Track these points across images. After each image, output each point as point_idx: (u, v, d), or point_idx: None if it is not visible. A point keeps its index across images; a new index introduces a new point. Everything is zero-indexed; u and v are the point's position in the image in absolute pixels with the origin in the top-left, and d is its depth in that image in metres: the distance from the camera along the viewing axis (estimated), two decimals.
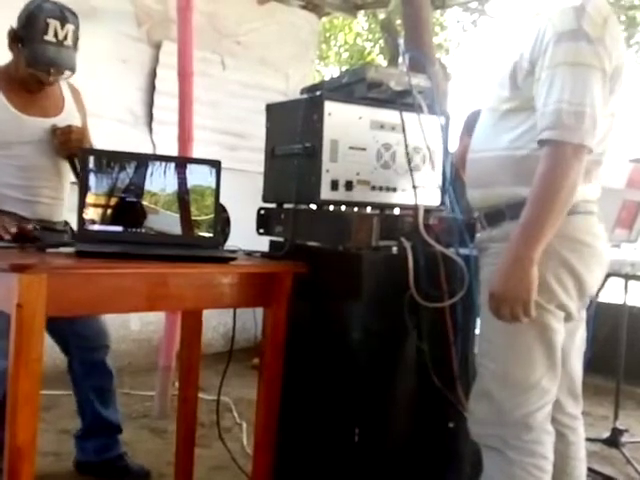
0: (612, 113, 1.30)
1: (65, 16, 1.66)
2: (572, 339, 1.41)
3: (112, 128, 3.05)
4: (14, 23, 1.69)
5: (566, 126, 1.18)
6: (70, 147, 1.73)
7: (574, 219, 1.27)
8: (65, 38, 1.65)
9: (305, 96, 1.58)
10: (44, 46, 1.63)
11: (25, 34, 1.65)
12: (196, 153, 2.48)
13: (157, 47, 3.35)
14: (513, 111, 1.32)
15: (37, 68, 1.67)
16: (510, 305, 1.21)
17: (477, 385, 1.37)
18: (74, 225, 1.70)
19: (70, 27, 1.66)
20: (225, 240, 1.66)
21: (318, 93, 1.53)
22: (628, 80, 1.31)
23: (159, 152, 3.15)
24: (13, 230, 1.48)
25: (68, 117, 1.80)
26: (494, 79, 1.39)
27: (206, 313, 1.78)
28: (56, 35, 1.63)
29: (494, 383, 1.32)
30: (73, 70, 1.71)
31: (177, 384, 1.90)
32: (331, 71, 8.41)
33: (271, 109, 1.68)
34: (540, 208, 1.20)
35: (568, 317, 1.32)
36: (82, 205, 1.45)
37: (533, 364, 1.29)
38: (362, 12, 5.61)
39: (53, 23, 1.63)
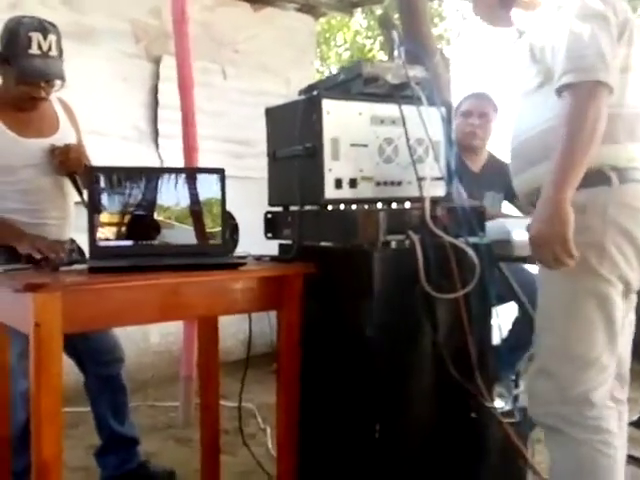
0: (626, 67, 1.31)
1: (45, 27, 1.66)
2: (623, 320, 1.39)
3: (118, 146, 3.09)
4: None
5: (576, 68, 1.21)
6: (70, 166, 1.75)
7: (630, 187, 1.28)
8: (49, 49, 1.65)
9: (303, 97, 1.58)
10: (31, 60, 1.63)
11: (10, 52, 1.65)
12: (202, 163, 2.50)
13: (157, 62, 3.38)
14: (541, 86, 1.35)
15: (28, 83, 1.67)
16: (549, 246, 1.22)
17: (535, 363, 1.36)
18: (81, 243, 1.73)
19: (52, 37, 1.66)
20: (235, 247, 1.67)
21: (315, 93, 1.53)
22: None
23: (166, 165, 3.19)
24: (52, 255, 1.48)
25: (64, 135, 1.81)
26: (519, 67, 1.43)
27: (224, 321, 1.79)
28: (40, 47, 1.63)
29: (553, 359, 1.32)
30: (63, 79, 1.71)
31: None
32: (333, 72, 8.41)
33: (270, 113, 1.69)
34: (564, 150, 1.22)
35: (627, 290, 1.32)
36: (92, 221, 1.47)
37: (593, 338, 1.29)
38: (359, 10, 5.60)
39: (35, 36, 1.62)
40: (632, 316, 1.44)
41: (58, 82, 1.72)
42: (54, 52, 1.67)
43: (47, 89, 1.72)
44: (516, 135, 1.47)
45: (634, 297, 1.41)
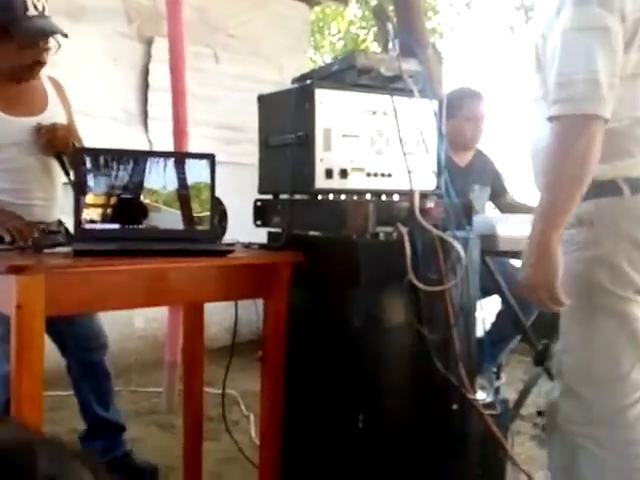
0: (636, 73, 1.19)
1: None
2: None
3: (107, 127, 3.05)
4: None
5: (564, 98, 1.11)
6: (56, 145, 1.71)
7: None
8: (44, 8, 1.65)
9: (296, 85, 1.57)
10: (32, 21, 1.61)
11: (8, 18, 1.61)
12: (192, 148, 2.47)
13: (148, 43, 3.33)
14: (544, 98, 1.24)
15: (33, 45, 1.64)
16: (536, 292, 1.15)
17: (561, 382, 1.30)
18: (68, 225, 1.71)
19: None
20: (223, 233, 1.66)
21: (309, 82, 1.52)
22: None
23: (155, 149, 3.15)
24: (34, 235, 1.45)
25: (52, 114, 1.77)
26: (529, 68, 1.33)
27: (210, 308, 1.79)
28: (36, 8, 1.63)
29: (576, 379, 1.25)
30: (65, 34, 1.69)
31: None
32: (326, 61, 8.36)
33: (263, 100, 1.67)
34: (549, 188, 1.14)
35: None
36: (78, 204, 1.45)
37: (617, 356, 1.21)
38: (353, 0, 5.56)
39: None
40: None
41: (54, 45, 1.69)
42: (47, 12, 1.66)
43: (48, 50, 1.69)
44: (531, 143, 1.38)
45: None
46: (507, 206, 2.62)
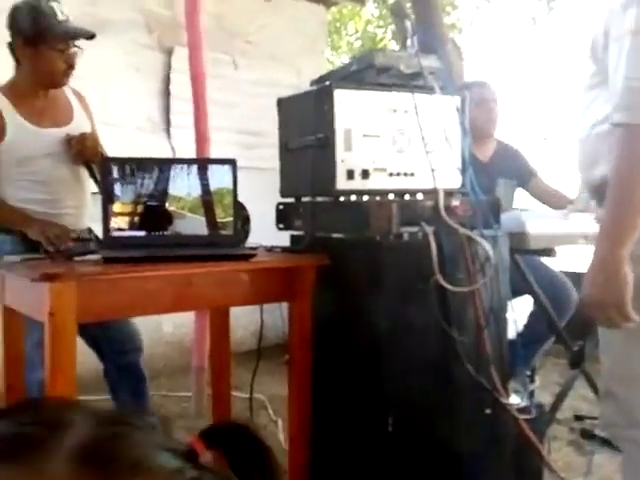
0: None
1: None
2: None
3: (131, 136, 3.09)
4: (7, 38, 1.72)
5: (631, 106, 1.06)
6: (86, 155, 1.76)
7: None
8: (66, 15, 1.72)
9: (315, 87, 1.57)
10: (64, 25, 1.69)
11: (40, 28, 1.67)
12: (214, 154, 2.49)
13: (169, 53, 3.37)
14: (598, 86, 1.21)
15: (69, 45, 1.70)
16: (603, 311, 1.10)
17: (601, 384, 1.29)
18: (97, 232, 1.74)
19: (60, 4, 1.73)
20: (246, 237, 1.66)
21: (327, 83, 1.52)
22: None
23: (178, 156, 3.19)
24: (68, 243, 1.50)
25: (79, 125, 1.82)
26: (586, 57, 1.28)
27: (236, 312, 1.79)
28: (63, 13, 1.70)
29: (614, 381, 1.23)
30: (94, 34, 1.75)
31: None
32: (344, 61, 8.35)
33: (282, 103, 1.67)
34: (617, 201, 1.09)
35: None
36: (106, 212, 1.48)
37: None
38: None
39: (55, 5, 1.69)
40: None
41: (79, 50, 1.75)
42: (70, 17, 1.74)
43: (76, 56, 1.75)
44: (579, 130, 1.33)
45: None
46: (538, 190, 2.54)
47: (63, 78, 1.76)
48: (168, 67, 3.37)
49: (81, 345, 1.37)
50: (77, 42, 1.74)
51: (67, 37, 1.69)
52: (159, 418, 0.40)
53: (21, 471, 0.30)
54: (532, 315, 2.28)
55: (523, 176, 2.54)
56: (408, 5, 4.42)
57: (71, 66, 1.74)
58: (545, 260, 2.27)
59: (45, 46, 1.69)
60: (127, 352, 1.94)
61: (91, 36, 1.74)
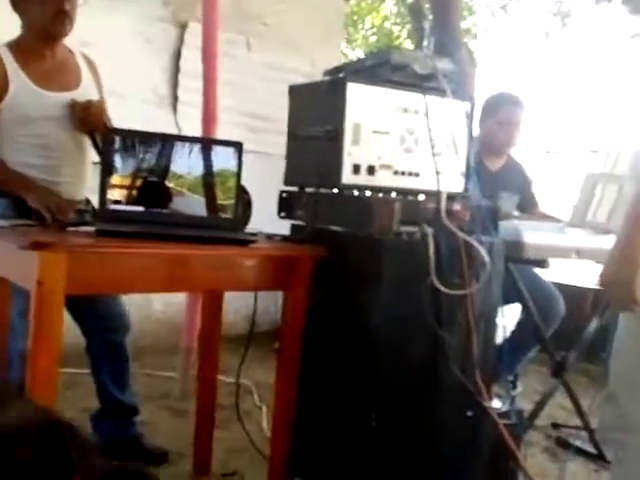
0: None
1: None
2: None
3: (136, 108, 3.06)
4: None
5: None
6: (90, 123, 1.71)
7: None
8: None
9: (328, 78, 1.55)
10: None
11: None
12: (220, 135, 2.47)
13: (182, 28, 3.33)
14: None
15: None
16: (614, 288, 1.18)
17: (606, 388, 1.32)
18: (96, 204, 1.71)
19: None
20: (246, 222, 1.65)
21: (341, 75, 1.51)
22: None
23: (183, 133, 3.16)
24: (69, 215, 1.47)
25: (86, 90, 1.78)
26: None
27: (229, 296, 1.78)
28: None
29: (619, 385, 1.28)
30: None
31: None
32: (358, 54, 8.30)
33: (294, 91, 1.66)
34: None
35: None
36: (104, 184, 1.46)
37: None
38: None
39: None
40: None
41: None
42: None
43: (70, 3, 1.68)
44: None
45: None
46: (535, 217, 2.57)
47: (55, 25, 1.68)
48: (180, 42, 3.33)
49: (65, 317, 1.35)
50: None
51: None
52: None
53: None
54: (520, 323, 2.31)
55: (524, 202, 2.56)
56: (427, 6, 4.39)
57: (61, 11, 1.66)
58: (538, 270, 2.29)
59: (31, 2, 1.63)
60: (113, 330, 1.92)
61: None
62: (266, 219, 1.63)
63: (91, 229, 1.37)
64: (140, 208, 1.49)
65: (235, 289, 1.66)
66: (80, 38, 1.84)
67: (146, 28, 3.19)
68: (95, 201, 1.66)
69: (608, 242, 1.26)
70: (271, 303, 1.93)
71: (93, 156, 1.83)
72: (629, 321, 1.26)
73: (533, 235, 1.85)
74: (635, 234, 1.17)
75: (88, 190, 1.86)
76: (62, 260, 1.18)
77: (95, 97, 1.80)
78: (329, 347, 1.52)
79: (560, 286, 2.46)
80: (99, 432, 1.99)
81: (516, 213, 2.52)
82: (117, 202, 1.47)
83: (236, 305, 3.21)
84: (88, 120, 1.71)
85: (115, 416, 1.96)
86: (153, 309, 3.31)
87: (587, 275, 3.09)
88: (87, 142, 1.80)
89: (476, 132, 2.46)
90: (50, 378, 1.22)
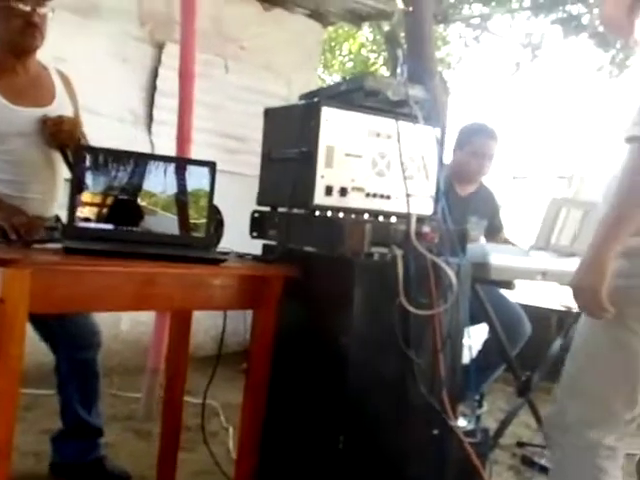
0: None
1: None
2: None
3: (111, 126, 3.05)
4: None
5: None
6: (62, 138, 1.69)
7: None
8: None
9: (303, 102, 1.58)
10: None
11: None
12: (195, 155, 2.47)
13: (160, 48, 3.35)
14: None
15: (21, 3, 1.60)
16: (582, 295, 1.22)
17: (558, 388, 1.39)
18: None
19: None
20: (218, 242, 1.65)
21: (316, 99, 1.54)
22: None
23: (158, 153, 3.15)
24: (36, 233, 1.44)
25: (60, 106, 1.76)
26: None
27: (198, 316, 1.77)
28: None
29: (564, 384, 1.34)
30: None
31: None
32: (335, 79, 8.46)
33: (269, 113, 1.68)
34: (617, 204, 1.21)
35: None
36: (73, 201, 1.44)
37: (605, 379, 1.27)
38: (367, 23, 5.64)
39: None
40: None
41: (49, 12, 1.67)
42: None
43: (40, 16, 1.66)
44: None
45: None
46: (499, 242, 2.63)
47: (25, 38, 1.66)
48: (157, 61, 3.35)
49: (29, 336, 1.31)
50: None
51: None
52: None
53: None
54: (486, 343, 2.36)
55: (491, 227, 2.62)
56: (402, 34, 4.52)
57: (30, 24, 1.64)
58: (504, 292, 2.35)
59: (1, 2, 1.61)
60: (84, 347, 1.87)
61: None
62: (239, 239, 1.64)
63: (58, 246, 1.35)
64: (110, 226, 1.47)
65: (205, 308, 1.65)
66: (57, 56, 1.84)
67: (123, 47, 3.20)
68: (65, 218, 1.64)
69: (572, 265, 1.30)
70: (240, 324, 1.92)
71: (65, 172, 1.81)
72: (583, 330, 1.32)
73: (499, 257, 1.90)
74: (603, 244, 1.22)
75: (59, 207, 1.84)
76: (25, 277, 1.16)
77: (69, 113, 1.79)
78: (298, 368, 1.51)
79: (525, 307, 2.52)
80: (61, 454, 1.93)
81: (482, 239, 2.59)
82: (87, 220, 1.45)
83: (206, 326, 3.19)
84: (59, 136, 1.69)
85: (79, 437, 1.90)
86: (120, 329, 3.25)
87: (552, 297, 3.18)
88: (59, 158, 1.77)
89: (449, 159, 2.54)
90: (10, 400, 1.18)
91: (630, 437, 1.32)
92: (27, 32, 1.66)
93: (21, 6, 1.63)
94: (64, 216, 1.77)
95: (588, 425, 1.28)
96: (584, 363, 1.31)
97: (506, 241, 2.62)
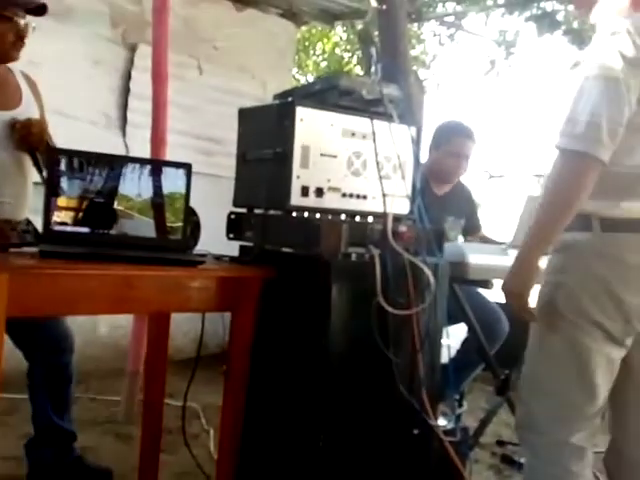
0: None
1: None
2: (629, 377, 1.31)
3: (84, 129, 3.01)
4: None
5: (569, 133, 1.21)
6: (31, 141, 1.68)
7: (614, 236, 1.25)
8: None
9: (277, 102, 1.59)
10: None
11: None
12: (170, 157, 2.46)
13: (132, 50, 3.32)
14: None
15: (20, 12, 1.64)
16: (510, 297, 1.29)
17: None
18: (37, 224, 1.67)
19: None
20: (195, 244, 1.65)
21: (290, 99, 1.54)
22: None
23: (132, 155, 3.12)
24: (10, 237, 1.43)
25: (27, 109, 1.75)
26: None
27: (177, 318, 1.76)
28: None
29: (525, 387, 1.39)
30: (44, 4, 1.69)
31: None
32: (309, 80, 8.46)
33: (243, 114, 1.68)
34: (543, 211, 1.26)
35: (611, 339, 1.26)
36: (48, 205, 1.43)
37: (561, 378, 1.30)
38: (340, 22, 5.66)
39: None
40: None
41: (33, 26, 1.69)
42: None
43: (27, 29, 1.68)
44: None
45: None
46: (477, 240, 2.66)
47: (12, 51, 1.68)
48: (130, 63, 3.31)
49: (7, 340, 1.30)
50: (35, 23, 1.67)
51: (12, 3, 1.62)
52: None
53: None
54: (465, 342, 2.37)
55: (468, 226, 2.65)
56: (376, 33, 4.55)
57: (21, 38, 1.67)
58: (482, 291, 2.38)
59: None
60: (57, 352, 1.85)
61: (41, 7, 1.68)
62: (216, 241, 1.64)
63: (34, 250, 1.34)
64: (86, 229, 1.46)
65: (182, 310, 1.64)
66: (28, 59, 1.81)
67: (95, 49, 3.16)
68: (37, 222, 1.62)
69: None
70: (219, 326, 1.92)
71: (34, 176, 1.79)
72: (533, 329, 1.38)
73: (477, 256, 1.92)
74: (528, 250, 1.28)
75: (29, 210, 1.81)
76: (2, 281, 1.15)
77: (36, 116, 1.77)
78: (277, 368, 1.52)
79: (503, 306, 2.52)
80: (35, 460, 1.90)
81: (460, 238, 2.62)
82: (62, 223, 1.44)
83: (184, 328, 3.17)
84: (28, 139, 1.68)
85: (53, 443, 1.88)
86: (98, 333, 3.22)
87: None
88: (28, 162, 1.76)
89: (426, 158, 2.55)
90: None
91: (594, 435, 1.34)
92: (16, 46, 1.69)
93: (16, 19, 1.65)
94: (35, 219, 1.76)
95: (553, 422, 1.31)
96: (539, 361, 1.35)
97: (484, 239, 2.65)
